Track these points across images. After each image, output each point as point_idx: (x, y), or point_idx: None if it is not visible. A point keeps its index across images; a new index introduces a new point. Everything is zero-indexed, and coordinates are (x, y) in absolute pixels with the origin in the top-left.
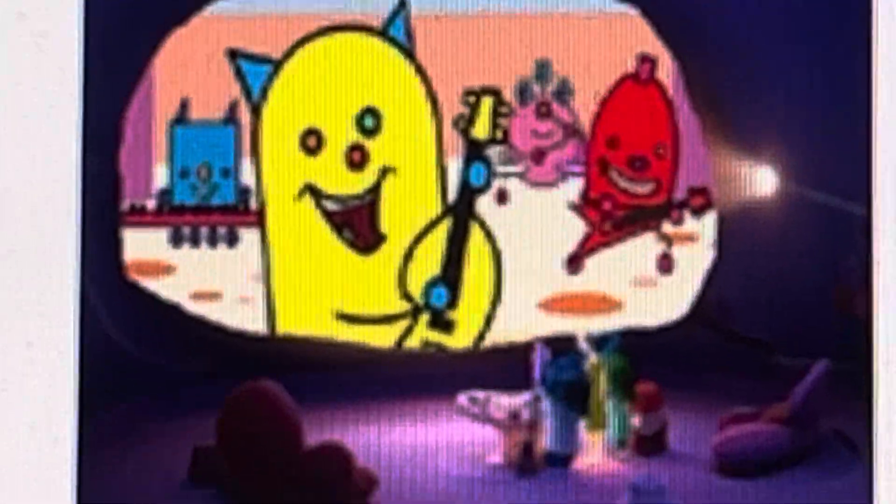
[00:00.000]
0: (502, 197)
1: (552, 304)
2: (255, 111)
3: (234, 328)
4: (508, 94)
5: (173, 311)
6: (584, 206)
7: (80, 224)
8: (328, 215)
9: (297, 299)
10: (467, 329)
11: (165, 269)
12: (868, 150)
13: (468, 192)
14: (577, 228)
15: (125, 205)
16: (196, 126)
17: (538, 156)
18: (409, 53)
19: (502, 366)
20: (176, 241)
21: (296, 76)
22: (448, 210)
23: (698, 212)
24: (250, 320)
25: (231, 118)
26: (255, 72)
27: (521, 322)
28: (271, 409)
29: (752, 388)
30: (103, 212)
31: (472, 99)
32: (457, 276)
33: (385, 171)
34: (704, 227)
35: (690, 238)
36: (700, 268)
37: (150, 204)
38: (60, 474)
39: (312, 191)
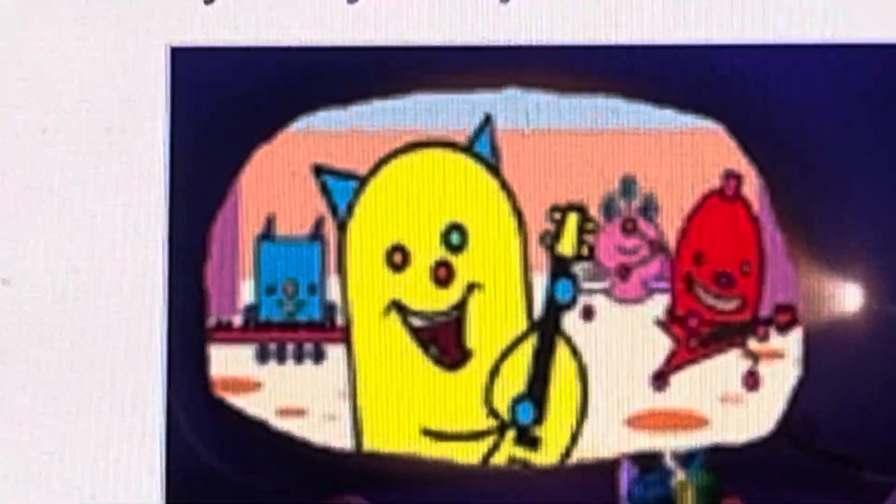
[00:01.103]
0: (588, 313)
1: (638, 421)
2: (341, 227)
3: (320, 444)
4: (594, 211)
5: (259, 427)
6: (670, 322)
7: (167, 341)
8: (414, 332)
9: (383, 416)
10: (554, 445)
11: (252, 386)
12: None
13: (554, 309)
14: (663, 345)
15: (211, 321)
16: (282, 242)
17: (624, 272)
18: (495, 169)
19: (588, 483)
20: (262, 357)
21: (381, 192)
22: (534, 326)
23: (784, 329)
24: (336, 437)
25: (317, 234)
26: (340, 188)
27: (607, 439)
28: None
29: None
30: (189, 328)
31: (557, 215)
32: (543, 392)
33: (471, 288)
34: (790, 344)
35: (777, 355)
36: (786, 385)
37: (237, 320)
38: None
39: (399, 307)
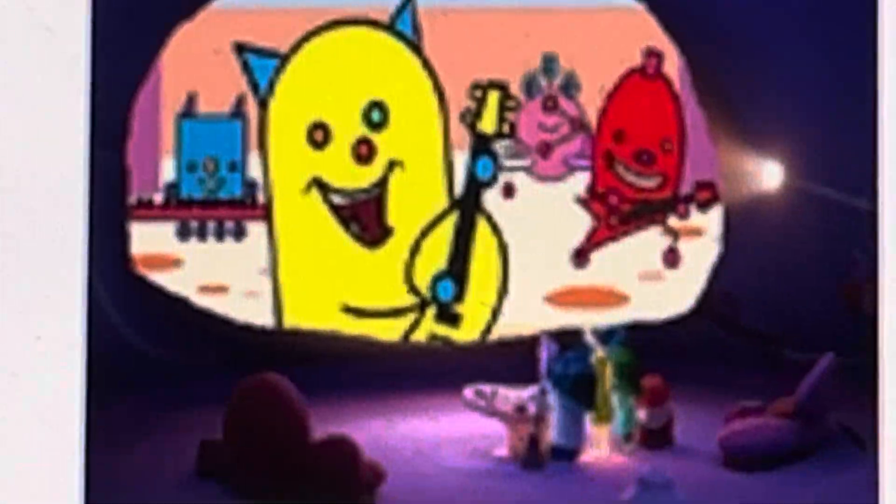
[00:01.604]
0: (509, 191)
1: (558, 298)
2: (263, 105)
3: (242, 321)
4: (515, 88)
5: (181, 304)
6: (590, 200)
7: (88, 218)
8: (335, 209)
9: (304, 293)
10: (474, 322)
11: (173, 263)
12: (874, 145)
13: (475, 186)
14: (583, 222)
15: (133, 198)
16: (203, 120)
17: (545, 150)
18: (417, 47)
19: (508, 359)
20: (183, 234)
21: (303, 70)
22: (455, 204)
23: (704, 206)
24: (257, 314)
25: (238, 112)
26: (262, 66)
27: (527, 315)
28: (278, 403)
29: (758, 382)
30: (111, 205)
31: (479, 93)
32: (463, 269)
33: (392, 165)
34: (710, 222)
35: (697, 232)
36: (706, 262)
37: (158, 197)
38: (68, 468)
39: (319, 184)
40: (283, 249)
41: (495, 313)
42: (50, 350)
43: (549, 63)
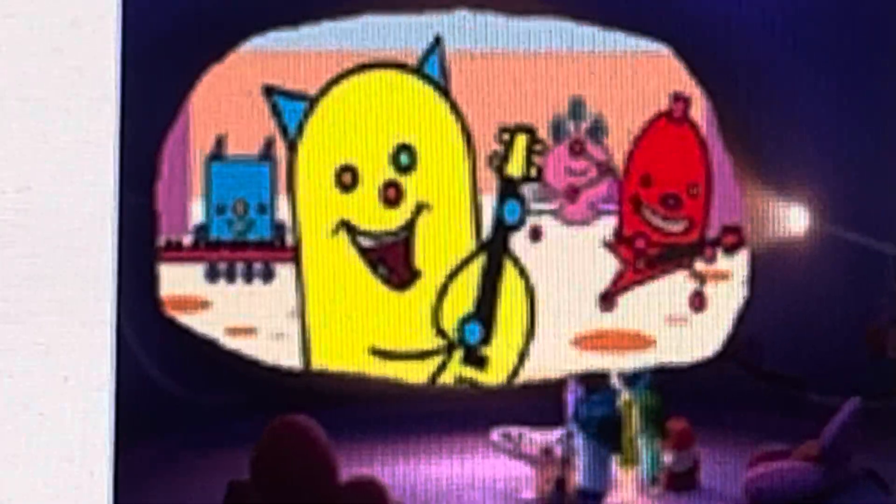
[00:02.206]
0: (536, 234)
1: (585, 342)
2: (291, 147)
3: (270, 363)
4: (543, 132)
5: (209, 346)
6: (617, 243)
7: (117, 259)
8: (363, 251)
9: (331, 335)
10: (501, 365)
11: (201, 305)
12: None
13: (502, 230)
14: (610, 266)
15: (161, 240)
16: (232, 162)
17: (572, 193)
18: (444, 91)
19: (535, 402)
20: (212, 276)
21: (331, 113)
22: (482, 247)
23: (731, 250)
24: (285, 355)
25: (267, 154)
26: (290, 108)
27: (554, 359)
28: (306, 444)
29: (783, 425)
30: (139, 247)
31: (506, 136)
32: (490, 312)
33: (420, 208)
34: (737, 266)
35: (723, 276)
36: (732, 306)
37: (187, 239)
38: None
39: (347, 227)
40: (310, 291)
41: (522, 356)
42: (78, 391)
43: (576, 107)
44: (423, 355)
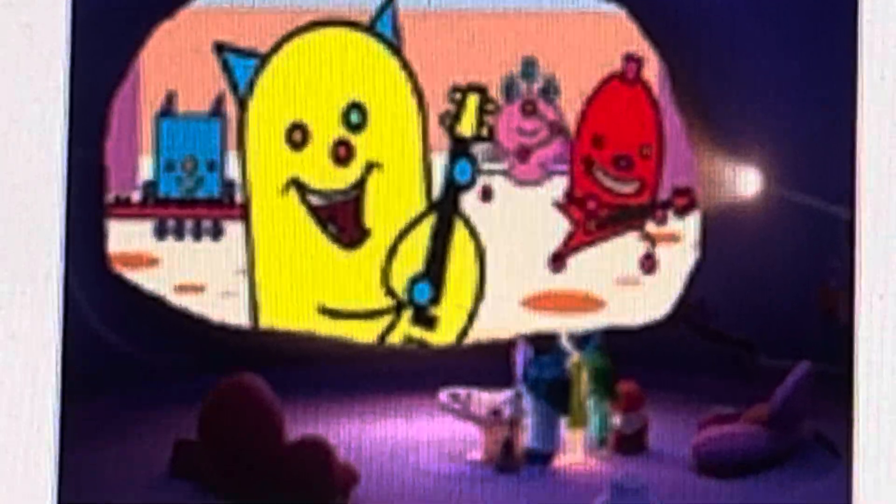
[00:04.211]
0: (487, 194)
1: (535, 302)
2: (242, 105)
3: (218, 321)
4: (495, 92)
5: (157, 303)
6: (568, 204)
7: (65, 215)
8: (313, 210)
9: (280, 293)
10: (450, 325)
11: (149, 262)
12: (852, 152)
13: (453, 189)
14: (561, 227)
15: (110, 196)
16: (182, 119)
17: (523, 154)
18: (396, 49)
19: (484, 363)
20: (160, 233)
21: (282, 70)
22: (432, 206)
23: (682, 212)
24: (233, 314)
25: (217, 111)
26: (241, 66)
27: (503, 319)
28: (253, 403)
29: (732, 388)
30: (88, 203)
31: (458, 96)
32: (440, 272)
33: (370, 167)
34: (688, 228)
35: (674, 238)
36: (683, 268)
37: (135, 196)
38: (41, 465)
39: (297, 185)
40: (260, 250)
41: (471, 316)
42: (25, 348)
43: (528, 67)
44: (372, 315)
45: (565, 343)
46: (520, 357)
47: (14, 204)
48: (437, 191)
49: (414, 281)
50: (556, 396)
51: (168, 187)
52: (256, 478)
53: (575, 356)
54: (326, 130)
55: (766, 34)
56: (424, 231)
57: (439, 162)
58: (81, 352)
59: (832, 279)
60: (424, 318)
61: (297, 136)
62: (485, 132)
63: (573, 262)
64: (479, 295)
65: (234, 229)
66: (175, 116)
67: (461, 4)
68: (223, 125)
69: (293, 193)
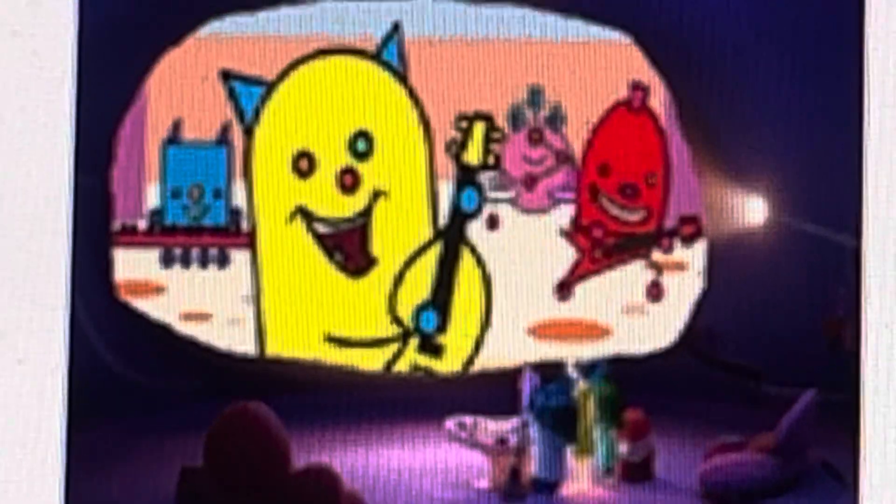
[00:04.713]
0: (493, 222)
1: (541, 331)
2: (248, 133)
3: (223, 349)
4: (501, 120)
5: (163, 331)
6: (574, 233)
7: (72, 243)
8: (319, 238)
9: (286, 321)
10: (456, 353)
11: (156, 290)
12: (859, 181)
13: (459, 217)
14: (567, 255)
15: (116, 224)
16: (188, 146)
17: (530, 182)
18: (403, 77)
19: (491, 391)
20: (167, 261)
21: (288, 98)
22: (439, 235)
23: (688, 240)
24: (240, 341)
25: (223, 139)
26: (247, 93)
27: (509, 348)
28: (259, 431)
29: (738, 416)
30: (94, 231)
31: (464, 124)
32: (446, 300)
33: (377, 195)
34: (694, 256)
35: (680, 266)
36: (689, 296)
37: (142, 224)
38: (47, 492)
39: (304, 213)
40: (266, 278)
41: (478, 345)
42: (31, 374)
43: (534, 95)
44: (378, 343)
45: (572, 371)
46: (526, 385)
47: (20, 231)
48: (443, 219)
49: (420, 309)
50: (562, 425)
51: (174, 215)
52: None
53: (581, 384)
54: (333, 159)
55: (773, 63)
56: (431, 259)
57: (446, 190)
58: (87, 379)
59: (838, 307)
60: (431, 347)
61: (304, 164)
62: (491, 160)
63: (579, 290)
64: (486, 323)
65: (240, 257)
66: (181, 144)
67: (467, 33)
68: (229, 153)
69: (299, 222)
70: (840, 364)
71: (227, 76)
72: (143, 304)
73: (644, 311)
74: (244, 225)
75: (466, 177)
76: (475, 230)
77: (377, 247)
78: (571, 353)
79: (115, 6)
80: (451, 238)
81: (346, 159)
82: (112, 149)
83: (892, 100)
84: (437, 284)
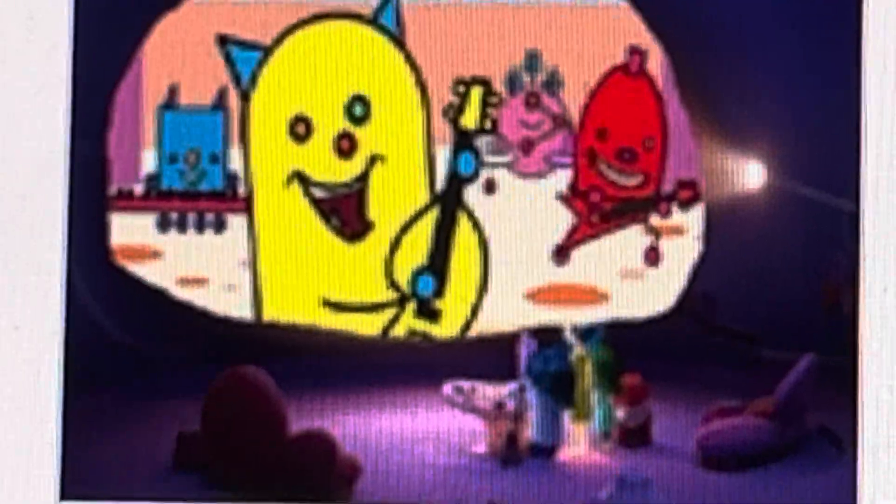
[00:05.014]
0: (490, 187)
1: (539, 295)
2: (245, 97)
3: (220, 314)
4: (498, 84)
5: (159, 296)
6: (572, 197)
7: (68, 208)
8: (316, 203)
9: (283, 286)
10: (453, 318)
11: (152, 255)
12: (857, 145)
13: (456, 182)
14: (564, 219)
15: (112, 189)
16: (185, 111)
17: (527, 146)
18: (400, 42)
19: (488, 356)
20: (163, 226)
21: (285, 63)
22: (436, 199)
23: (686, 205)
24: (236, 307)
25: (220, 104)
26: (244, 58)
27: (507, 312)
28: (256, 396)
29: (736, 381)
30: (91, 196)
31: (461, 88)
32: (443, 265)
33: (373, 160)
34: (692, 220)
35: (678, 231)
36: (687, 261)
37: (138, 189)
38: (44, 458)
39: (300, 178)
40: (263, 243)
41: (475, 309)
42: (27, 340)
43: (531, 59)
44: (375, 307)
45: (569, 336)
46: (523, 350)
47: (16, 196)
48: (440, 183)
49: (417, 274)
50: (559, 389)
51: (171, 180)
52: (259, 470)
53: (579, 349)
54: (330, 123)
55: (771, 27)
56: (428, 224)
57: (443, 154)
58: (84, 344)
59: (837, 272)
60: (428, 311)
61: (301, 128)
62: (488, 125)
63: (577, 254)
64: (483, 288)
65: (237, 222)
66: (178, 109)
67: None
68: (226, 118)
69: (296, 186)
70: (838, 328)
71: (223, 40)
72: (140, 269)
73: (642, 275)
74: (241, 190)
75: (463, 141)
76: (472, 194)
77: (374, 211)
78: (569, 317)
79: None
80: (448, 202)
81: (343, 124)
82: (108, 114)
83: (892, 64)
84: (434, 249)
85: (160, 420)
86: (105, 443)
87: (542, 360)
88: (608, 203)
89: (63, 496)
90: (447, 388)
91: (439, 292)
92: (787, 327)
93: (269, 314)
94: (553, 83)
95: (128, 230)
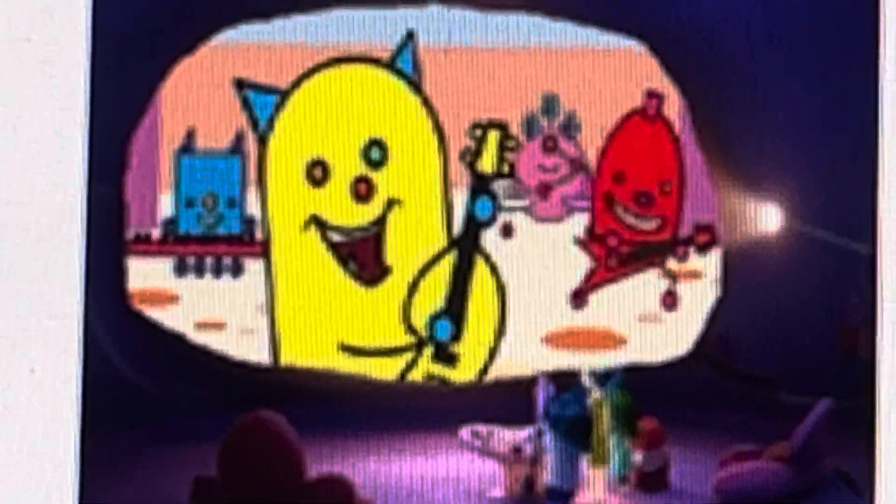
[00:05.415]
0: (508, 231)
1: (556, 339)
2: (262, 141)
3: (237, 358)
4: (515, 128)
5: (177, 340)
6: (589, 241)
7: (85, 252)
8: (333, 247)
9: (300, 330)
10: (471, 362)
11: (170, 299)
12: (874, 189)
13: (474, 226)
14: (581, 264)
15: (130, 233)
16: (202, 155)
17: (544, 190)
18: (417, 86)
19: (505, 400)
20: (180, 270)
21: (302, 107)
22: (453, 243)
23: (703, 249)
24: (254, 351)
25: (237, 148)
26: (261, 102)
27: (524, 356)
28: (273, 440)
29: (754, 425)
30: (108, 240)
31: (478, 132)
32: (461, 309)
33: (391, 204)
34: (709, 264)
35: (695, 275)
36: (704, 304)
37: (155, 233)
38: (62, 500)
39: (318, 222)
40: (280, 287)
41: (492, 353)
42: (45, 383)
43: (549, 103)
44: (392, 352)
45: (586, 380)
46: (541, 394)
47: (34, 239)
48: (457, 227)
49: (435, 318)
50: (577, 434)
51: (188, 224)
52: None
53: (596, 393)
54: (347, 167)
55: (787, 71)
56: (445, 268)
57: (460, 199)
58: (101, 388)
59: (853, 316)
60: (445, 355)
61: (318, 172)
62: (505, 169)
63: (594, 298)
64: (501, 332)
65: (254, 266)
66: (195, 153)
67: (482, 41)
68: (243, 162)
69: (314, 230)
70: (855, 372)
71: (240, 85)
72: (157, 314)
73: (659, 319)
74: (258, 234)
75: (481, 185)
76: (489, 239)
77: (391, 255)
78: (586, 361)
79: (130, 14)
80: (466, 246)
81: (360, 168)
82: (126, 157)
83: None
84: (452, 293)
85: (177, 464)
86: (122, 486)
87: (560, 405)
88: (625, 247)
89: None
90: (464, 433)
91: (457, 336)
92: (804, 371)
93: (286, 358)
94: (570, 127)
95: (145, 274)
